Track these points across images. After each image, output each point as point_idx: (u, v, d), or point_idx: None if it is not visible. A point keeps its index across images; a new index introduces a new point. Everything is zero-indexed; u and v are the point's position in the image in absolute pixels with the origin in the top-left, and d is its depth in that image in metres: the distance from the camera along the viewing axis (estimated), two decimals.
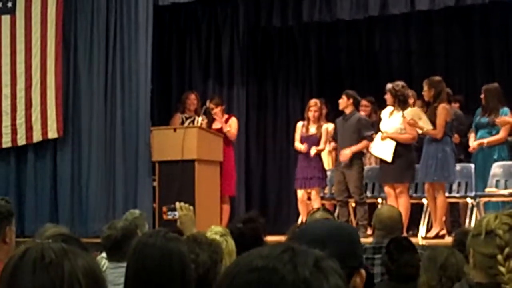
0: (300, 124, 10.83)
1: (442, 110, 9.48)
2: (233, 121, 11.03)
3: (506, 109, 9.87)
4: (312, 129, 10.66)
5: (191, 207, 5.09)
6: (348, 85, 13.35)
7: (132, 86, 10.89)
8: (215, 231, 4.59)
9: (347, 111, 10.47)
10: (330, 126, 10.91)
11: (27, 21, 10.90)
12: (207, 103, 10.94)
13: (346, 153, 10.19)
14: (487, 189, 9.95)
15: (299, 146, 10.67)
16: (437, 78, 9.71)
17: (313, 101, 10.85)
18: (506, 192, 9.83)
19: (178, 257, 3.28)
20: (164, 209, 5.61)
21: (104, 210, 10.71)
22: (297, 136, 10.77)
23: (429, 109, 9.64)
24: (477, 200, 9.75)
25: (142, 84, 10.84)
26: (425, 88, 9.63)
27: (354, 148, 10.23)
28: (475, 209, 9.70)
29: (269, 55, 13.26)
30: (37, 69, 10.87)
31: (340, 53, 13.54)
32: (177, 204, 5.08)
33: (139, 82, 10.85)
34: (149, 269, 3.25)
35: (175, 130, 10.38)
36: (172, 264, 3.26)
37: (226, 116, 11.08)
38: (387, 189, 9.91)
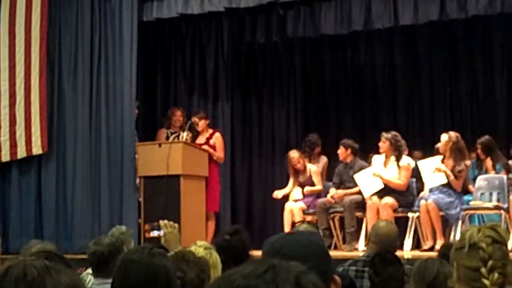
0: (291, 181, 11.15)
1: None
2: (218, 138, 11.01)
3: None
4: (302, 177, 11.02)
5: (176, 225, 5.06)
6: (333, 99, 13.42)
7: (117, 101, 10.88)
8: (199, 245, 4.58)
9: (348, 160, 10.76)
10: (322, 160, 11.40)
11: (11, 38, 10.88)
12: (192, 118, 10.96)
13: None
14: (471, 202, 10.02)
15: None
16: (457, 134, 10.06)
17: (291, 155, 11.10)
18: (490, 204, 9.89)
19: (164, 273, 3.28)
20: (146, 227, 5.59)
21: (90, 226, 10.68)
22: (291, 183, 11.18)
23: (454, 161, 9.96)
24: (462, 213, 9.81)
25: (126, 100, 10.83)
26: (446, 139, 10.01)
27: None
28: (459, 222, 9.75)
29: (253, 70, 13.27)
30: (21, 86, 10.85)
31: (325, 68, 13.57)
32: (162, 222, 5.05)
33: (123, 98, 10.84)
34: (134, 285, 3.24)
35: (160, 145, 10.37)
36: (158, 280, 3.26)
37: (210, 131, 11.09)
38: (371, 203, 10.02)
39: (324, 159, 11.65)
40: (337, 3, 11.00)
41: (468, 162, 10.06)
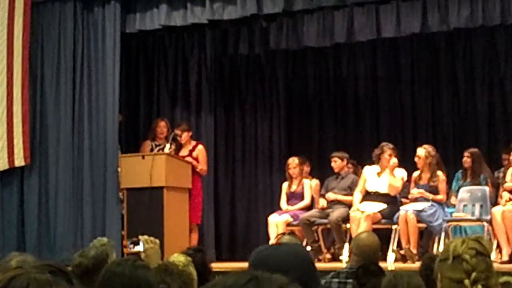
0: (285, 184, 11.21)
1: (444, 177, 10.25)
2: (201, 150, 10.99)
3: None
4: (294, 186, 11.09)
5: (157, 241, 5.01)
6: (315, 111, 13.42)
7: (100, 113, 10.85)
8: (178, 261, 4.47)
9: (342, 171, 10.94)
10: (313, 183, 11.26)
11: None
12: (174, 130, 10.95)
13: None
14: (454, 214, 10.05)
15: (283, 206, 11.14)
16: (433, 148, 10.33)
17: (291, 159, 11.26)
18: (473, 216, 9.92)
19: (146, 286, 3.27)
20: (125, 242, 5.54)
21: (72, 238, 10.62)
22: (283, 196, 11.18)
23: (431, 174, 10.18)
24: (445, 224, 9.83)
25: (109, 111, 10.80)
26: (425, 154, 10.17)
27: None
28: (443, 234, 9.77)
29: (236, 82, 13.27)
30: (3, 98, 10.80)
31: (307, 80, 13.58)
32: (142, 237, 5.00)
33: (106, 109, 10.81)
34: None
35: (143, 157, 10.35)
36: None
37: (193, 143, 11.07)
38: (354, 215, 10.05)
39: (315, 182, 11.54)
40: (320, 15, 11.03)
41: (444, 177, 10.16)
